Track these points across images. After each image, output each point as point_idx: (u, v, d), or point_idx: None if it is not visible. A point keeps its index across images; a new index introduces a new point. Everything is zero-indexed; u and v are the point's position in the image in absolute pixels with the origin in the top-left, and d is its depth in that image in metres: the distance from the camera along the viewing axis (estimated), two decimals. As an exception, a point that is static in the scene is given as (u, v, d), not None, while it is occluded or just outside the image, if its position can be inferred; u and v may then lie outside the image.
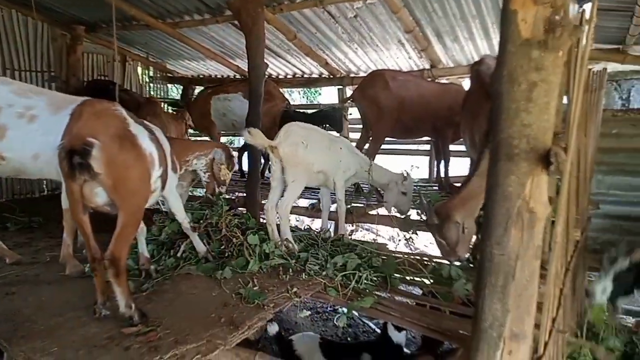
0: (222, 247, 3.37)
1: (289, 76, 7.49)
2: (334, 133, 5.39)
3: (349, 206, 4.44)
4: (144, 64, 8.33)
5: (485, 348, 1.83)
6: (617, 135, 4.64)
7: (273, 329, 3.62)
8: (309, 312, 5.56)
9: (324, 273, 3.03)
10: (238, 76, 7.67)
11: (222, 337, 2.24)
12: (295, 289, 2.82)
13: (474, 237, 3.07)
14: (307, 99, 12.21)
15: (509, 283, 1.78)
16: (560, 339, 2.85)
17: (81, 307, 2.54)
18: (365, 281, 2.99)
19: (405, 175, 4.08)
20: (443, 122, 5.28)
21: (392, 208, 4.13)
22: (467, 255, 3.04)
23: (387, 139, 5.68)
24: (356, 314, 5.81)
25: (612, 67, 5.09)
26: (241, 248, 3.27)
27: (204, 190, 4.02)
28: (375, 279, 3.04)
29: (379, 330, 4.40)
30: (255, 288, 2.82)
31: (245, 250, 3.21)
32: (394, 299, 2.87)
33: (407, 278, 3.15)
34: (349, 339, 4.99)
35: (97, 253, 2.41)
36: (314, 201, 4.91)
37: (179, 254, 3.21)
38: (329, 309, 5.81)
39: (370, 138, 5.44)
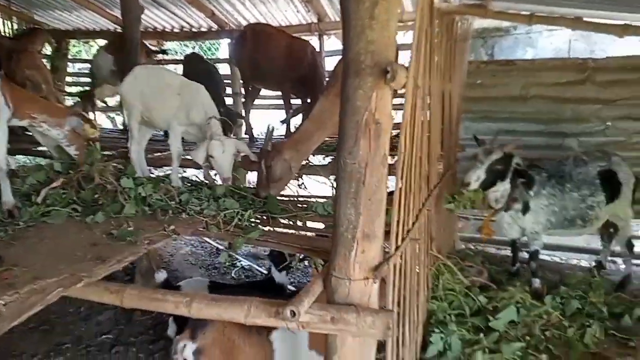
0: (97, 195, 3.20)
1: (175, 29, 7.14)
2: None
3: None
4: (6, 13, 7.35)
5: (342, 250, 1.99)
6: (481, 85, 5.15)
7: (161, 276, 3.57)
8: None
9: (205, 212, 3.03)
10: (119, 29, 7.12)
11: (87, 270, 2.16)
12: (172, 227, 2.79)
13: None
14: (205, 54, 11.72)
15: (360, 189, 1.94)
16: (425, 254, 3.20)
17: None
18: (250, 219, 3.04)
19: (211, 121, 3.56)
20: (295, 78, 5.40)
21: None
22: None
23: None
24: (247, 262, 5.97)
25: (479, 23, 5.59)
26: (116, 194, 3.13)
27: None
28: (258, 217, 3.12)
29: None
30: (129, 229, 2.74)
31: (120, 195, 3.09)
32: (275, 231, 2.97)
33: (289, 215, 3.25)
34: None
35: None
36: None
37: (39, 200, 2.99)
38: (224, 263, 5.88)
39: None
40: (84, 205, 3.09)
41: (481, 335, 3.11)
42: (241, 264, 5.94)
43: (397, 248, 2.18)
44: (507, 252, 4.58)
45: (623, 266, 4.41)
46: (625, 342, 3.14)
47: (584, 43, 5.98)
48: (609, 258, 4.45)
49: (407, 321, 2.58)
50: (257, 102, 6.33)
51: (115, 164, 3.59)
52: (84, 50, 11.05)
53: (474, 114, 5.13)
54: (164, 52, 7.20)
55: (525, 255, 4.11)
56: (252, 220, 3.03)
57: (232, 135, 4.10)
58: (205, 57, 7.17)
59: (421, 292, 3.05)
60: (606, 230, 4.26)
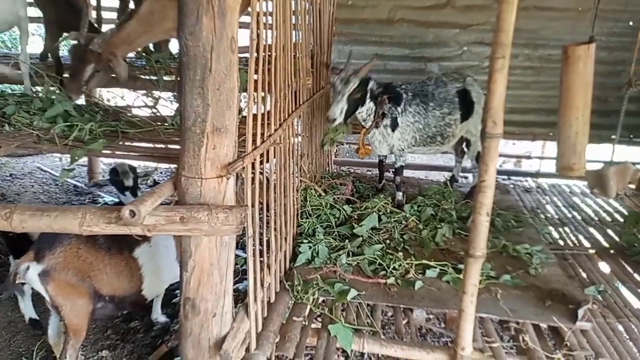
0: None
1: None
2: None
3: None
4: None
5: (191, 146, 1.82)
6: (352, 6, 5.10)
7: None
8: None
9: (34, 123, 2.59)
10: None
11: None
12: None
13: None
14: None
15: (206, 76, 1.75)
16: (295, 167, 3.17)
17: None
18: (92, 132, 2.68)
19: None
20: None
21: None
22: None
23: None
24: (111, 198, 5.53)
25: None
26: None
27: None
28: (104, 130, 2.77)
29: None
30: None
31: None
32: (124, 144, 2.67)
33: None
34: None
35: None
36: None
37: None
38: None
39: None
40: None
41: (346, 241, 3.24)
42: (104, 200, 5.44)
43: (255, 148, 2.08)
44: (376, 172, 4.80)
45: (472, 179, 4.92)
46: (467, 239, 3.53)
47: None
48: (461, 173, 4.91)
49: (273, 229, 2.55)
50: None
51: None
52: None
53: (345, 37, 5.11)
54: None
55: (391, 174, 4.36)
56: (97, 133, 2.68)
57: None
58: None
59: (290, 205, 3.05)
60: (459, 146, 4.67)
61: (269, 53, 2.40)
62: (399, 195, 4.12)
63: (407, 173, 5.34)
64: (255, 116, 2.03)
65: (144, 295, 2.82)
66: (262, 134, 2.21)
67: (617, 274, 3.19)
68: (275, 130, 2.49)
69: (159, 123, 3.12)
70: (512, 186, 4.91)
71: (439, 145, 4.33)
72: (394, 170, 4.23)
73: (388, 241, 3.37)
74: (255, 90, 2.05)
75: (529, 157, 5.55)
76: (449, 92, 4.17)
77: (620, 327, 2.58)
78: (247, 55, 2.41)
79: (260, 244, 2.35)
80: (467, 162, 4.74)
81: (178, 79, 2.19)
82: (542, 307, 2.63)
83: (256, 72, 2.11)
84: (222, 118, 1.81)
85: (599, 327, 2.55)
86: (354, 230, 3.36)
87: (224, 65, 1.76)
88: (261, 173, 2.37)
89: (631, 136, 4.98)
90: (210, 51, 1.72)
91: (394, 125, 3.99)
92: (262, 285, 2.37)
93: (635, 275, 3.14)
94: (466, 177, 5.42)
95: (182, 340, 2.04)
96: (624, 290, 3.00)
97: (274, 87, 2.47)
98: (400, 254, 3.13)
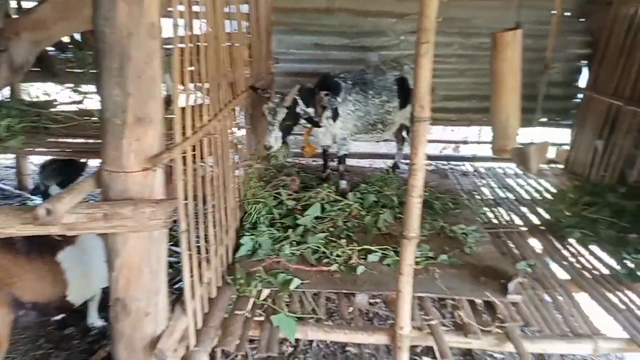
0: None
1: None
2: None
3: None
4: None
5: (112, 139, 1.73)
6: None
7: None
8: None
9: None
10: None
11: None
12: None
13: None
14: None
15: (125, 64, 1.67)
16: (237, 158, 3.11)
17: None
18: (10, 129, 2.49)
19: None
20: None
21: None
22: None
23: None
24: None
25: None
26: None
27: None
28: (24, 127, 2.59)
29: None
30: None
31: None
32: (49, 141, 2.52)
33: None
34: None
35: None
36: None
37: None
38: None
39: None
40: None
41: (290, 232, 3.23)
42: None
43: (185, 139, 2.01)
44: (321, 161, 4.80)
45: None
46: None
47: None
48: (402, 160, 5.02)
49: (212, 222, 2.49)
50: None
51: None
52: None
53: (285, 26, 5.05)
54: None
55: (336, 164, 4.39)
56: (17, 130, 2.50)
57: None
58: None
59: (230, 197, 2.99)
60: (400, 134, 4.77)
61: (200, 43, 2.33)
62: (343, 183, 4.15)
63: (351, 162, 5.40)
64: (184, 107, 1.96)
65: (69, 301, 2.68)
66: (194, 125, 2.14)
67: (546, 249, 3.39)
68: (210, 120, 2.42)
69: (87, 117, 2.97)
70: (450, 170, 5.08)
71: (380, 133, 4.40)
72: (337, 159, 4.26)
73: (332, 229, 3.39)
74: (183, 80, 1.98)
75: (465, 143, 5.77)
76: (388, 80, 4.24)
77: (548, 298, 2.75)
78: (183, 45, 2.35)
79: (198, 238, 2.30)
80: (408, 149, 4.85)
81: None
82: (476, 284, 2.75)
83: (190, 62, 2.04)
84: (145, 108, 1.73)
85: (529, 298, 2.69)
86: (297, 221, 3.35)
87: (144, 52, 1.68)
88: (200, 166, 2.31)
89: (557, 119, 5.29)
90: (128, 37, 1.64)
91: (335, 115, 4.01)
92: (201, 280, 2.32)
93: (561, 248, 3.35)
94: (407, 164, 5.54)
95: (114, 343, 1.96)
96: (551, 264, 3.19)
97: (206, 77, 2.40)
98: (343, 241, 3.16)
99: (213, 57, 2.49)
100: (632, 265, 3.02)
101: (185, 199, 2.01)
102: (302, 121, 3.89)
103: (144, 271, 1.86)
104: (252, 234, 3.12)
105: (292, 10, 5.01)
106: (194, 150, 2.13)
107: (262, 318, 2.48)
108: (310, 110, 3.83)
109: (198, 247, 2.30)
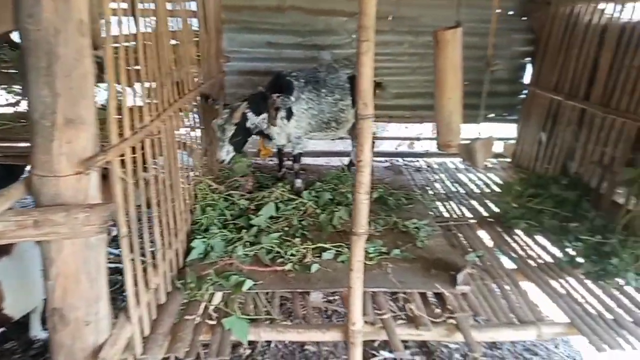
0: None
1: None
2: None
3: None
4: None
5: (41, 141, 1.64)
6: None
7: None
8: None
9: None
10: None
11: None
12: None
13: None
14: None
15: (53, 63, 1.58)
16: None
17: None
18: None
19: None
20: None
21: None
22: None
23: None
24: None
25: None
26: None
27: None
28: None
29: None
30: None
31: None
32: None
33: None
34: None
35: None
36: None
37: None
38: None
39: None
40: None
41: (243, 232, 3.19)
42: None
43: (123, 140, 1.93)
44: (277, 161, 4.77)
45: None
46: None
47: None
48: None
49: (158, 226, 2.42)
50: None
51: None
52: None
53: (236, 24, 4.98)
54: None
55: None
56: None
57: None
58: None
59: (179, 200, 2.91)
60: (354, 131, 4.80)
61: (139, 42, 2.25)
62: (298, 182, 4.14)
63: (307, 160, 5.40)
64: (121, 107, 1.89)
65: (7, 315, 2.54)
66: (133, 126, 2.07)
67: (494, 240, 3.50)
68: (152, 121, 2.34)
69: (23, 120, 2.81)
70: (405, 167, 5.17)
71: (335, 131, 4.42)
72: (292, 158, 4.24)
73: (287, 228, 3.37)
74: (119, 79, 1.90)
75: (419, 139, 5.89)
76: (340, 79, 4.26)
77: (495, 286, 2.84)
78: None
79: (143, 243, 2.22)
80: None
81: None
82: (427, 276, 2.81)
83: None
84: (76, 108, 1.65)
85: (478, 289, 2.77)
86: (251, 221, 3.31)
87: (74, 50, 1.60)
88: (145, 168, 2.24)
89: (504, 114, 5.49)
90: (55, 35, 1.55)
91: (289, 115, 3.99)
92: (147, 286, 2.24)
93: (508, 239, 3.48)
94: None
95: (53, 355, 1.86)
96: (499, 254, 3.30)
97: (145, 76, 2.32)
98: (298, 239, 3.15)
99: (155, 55, 2.41)
100: (573, 253, 3.17)
101: (127, 202, 1.94)
102: (257, 129, 3.88)
103: (82, 279, 1.78)
104: (204, 237, 3.05)
105: (243, 8, 4.95)
106: (134, 152, 2.06)
107: (214, 322, 2.43)
108: (262, 121, 3.81)
109: (144, 252, 2.23)
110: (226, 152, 3.66)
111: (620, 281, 2.87)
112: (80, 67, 1.63)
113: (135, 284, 2.05)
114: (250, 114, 3.76)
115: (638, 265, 2.92)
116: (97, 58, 1.77)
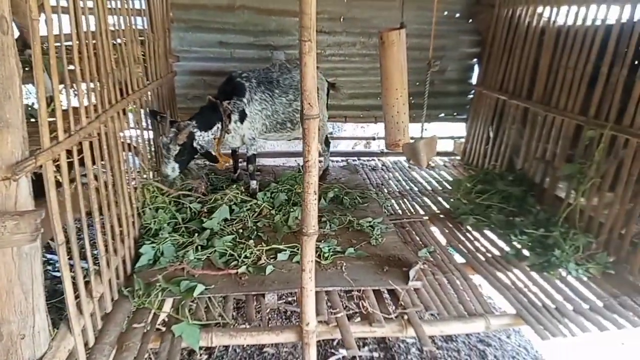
0: None
1: None
2: None
3: None
4: None
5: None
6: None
7: None
8: None
9: None
10: None
11: None
12: None
13: None
14: None
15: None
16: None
17: None
18: None
19: None
20: None
21: None
22: None
23: None
24: None
25: None
26: None
27: None
28: None
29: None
30: None
31: None
32: None
33: None
34: None
35: None
36: None
37: None
38: None
39: None
40: None
41: (195, 236, 3.11)
42: None
43: (56, 144, 1.84)
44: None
45: (324, 162, 5.12)
46: (319, 218, 3.66)
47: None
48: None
49: (100, 232, 2.32)
50: None
51: None
52: None
53: (185, 23, 4.87)
54: None
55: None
56: None
57: None
58: None
59: (124, 205, 2.80)
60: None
61: (73, 41, 2.15)
62: (253, 183, 4.09)
63: (265, 161, 5.36)
64: (51, 108, 1.79)
65: None
66: (68, 128, 1.97)
67: (445, 235, 3.60)
68: (90, 122, 2.24)
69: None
70: (360, 166, 5.23)
71: (290, 131, 4.39)
72: (247, 159, 4.19)
73: (241, 230, 3.32)
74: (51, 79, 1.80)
75: (374, 139, 5.97)
76: (294, 79, 4.24)
77: (446, 280, 2.91)
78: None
79: (84, 250, 2.12)
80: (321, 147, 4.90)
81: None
82: (381, 273, 2.85)
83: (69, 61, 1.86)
84: (1, 111, 1.55)
85: (429, 283, 2.84)
86: (203, 224, 3.24)
87: (-5, 47, 1.51)
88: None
89: (455, 114, 5.66)
90: (-26, 31, 1.45)
91: (243, 117, 3.94)
92: (91, 295, 2.14)
93: (458, 234, 3.58)
94: (320, 161, 5.62)
95: (-15, 374, 1.74)
96: (449, 249, 3.39)
97: (81, 76, 2.21)
98: (251, 241, 3.11)
99: (92, 55, 2.31)
100: (518, 246, 3.31)
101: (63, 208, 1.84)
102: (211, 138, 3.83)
103: (15, 291, 1.67)
104: (153, 242, 2.96)
105: (192, 7, 4.84)
106: (70, 155, 1.96)
107: (163, 329, 2.36)
108: (210, 141, 3.79)
109: (86, 260, 2.13)
110: (171, 169, 3.55)
111: (563, 272, 3.01)
112: (4, 68, 1.53)
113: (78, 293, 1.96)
114: (198, 133, 3.67)
115: (578, 256, 3.07)
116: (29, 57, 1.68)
